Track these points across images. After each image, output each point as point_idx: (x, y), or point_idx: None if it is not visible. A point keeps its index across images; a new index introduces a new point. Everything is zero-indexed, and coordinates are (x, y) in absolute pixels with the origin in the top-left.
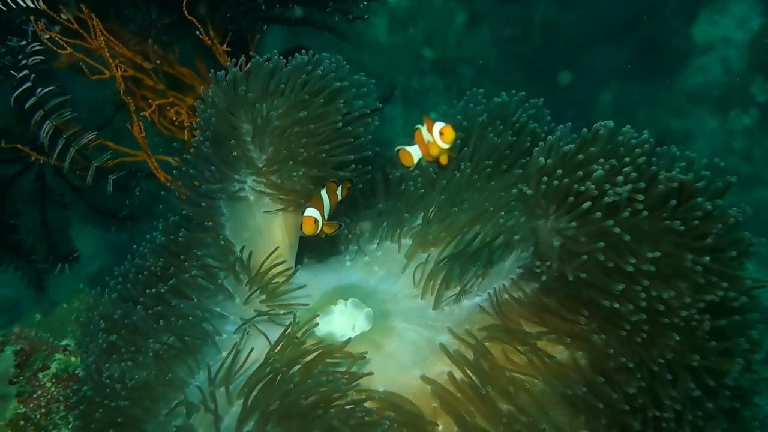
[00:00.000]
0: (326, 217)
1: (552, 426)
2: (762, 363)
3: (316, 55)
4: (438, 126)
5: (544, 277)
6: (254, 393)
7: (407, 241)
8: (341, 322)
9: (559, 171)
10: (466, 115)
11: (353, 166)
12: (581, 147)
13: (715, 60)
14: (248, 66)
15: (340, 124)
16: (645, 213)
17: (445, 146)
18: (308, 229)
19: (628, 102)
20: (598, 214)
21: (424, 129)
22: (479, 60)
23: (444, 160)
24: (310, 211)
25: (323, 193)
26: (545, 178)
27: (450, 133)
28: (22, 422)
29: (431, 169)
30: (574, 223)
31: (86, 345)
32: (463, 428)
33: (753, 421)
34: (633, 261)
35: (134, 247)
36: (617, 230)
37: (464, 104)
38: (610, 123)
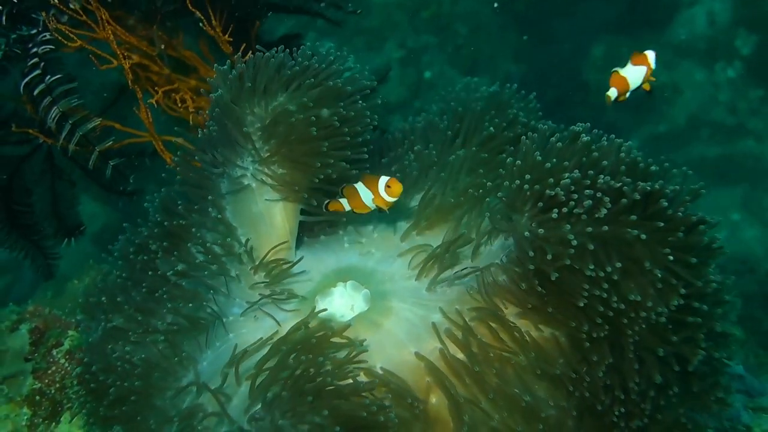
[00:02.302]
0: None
1: (535, 399)
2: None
3: (320, 48)
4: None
5: (520, 267)
6: (263, 374)
7: (402, 223)
8: (341, 303)
9: (528, 176)
10: (461, 103)
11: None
12: (554, 154)
13: (701, 13)
14: (253, 58)
15: (338, 123)
16: (606, 228)
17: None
18: (397, 191)
19: (618, 54)
20: (567, 225)
21: (622, 70)
22: (474, 16)
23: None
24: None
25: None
26: (517, 182)
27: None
28: (38, 397)
29: (426, 152)
30: (541, 230)
31: (90, 325)
32: (452, 402)
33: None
34: (592, 267)
35: (125, 225)
36: (575, 242)
37: (459, 92)
38: (587, 136)
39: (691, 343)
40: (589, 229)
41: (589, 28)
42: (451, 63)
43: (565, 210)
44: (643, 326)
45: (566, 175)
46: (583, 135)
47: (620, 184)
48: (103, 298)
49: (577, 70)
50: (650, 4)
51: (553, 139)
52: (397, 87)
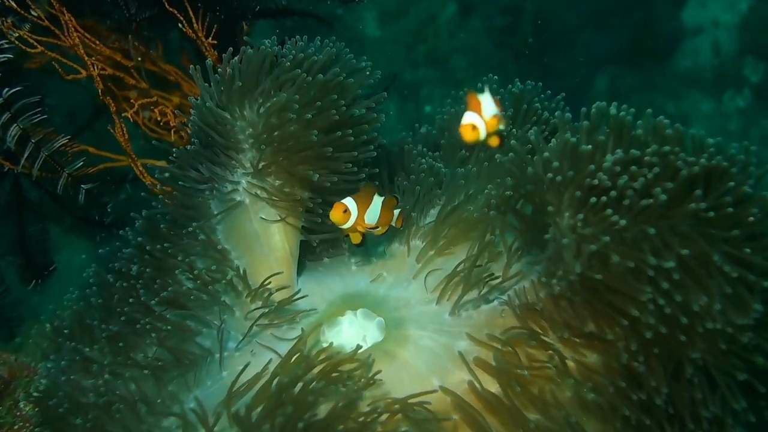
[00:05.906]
0: (369, 221)
1: None
2: None
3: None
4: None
5: (563, 279)
6: (258, 411)
7: (417, 242)
8: (351, 334)
9: (556, 164)
10: None
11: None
12: (586, 137)
13: (705, 42)
14: (241, 57)
15: (338, 117)
16: (663, 197)
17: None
18: (336, 218)
19: (623, 87)
20: (609, 210)
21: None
22: (472, 50)
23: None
24: (347, 200)
25: (377, 198)
26: (549, 175)
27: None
28: None
29: (437, 164)
30: (587, 228)
31: (56, 356)
32: None
33: None
34: (653, 261)
35: (100, 251)
36: (629, 233)
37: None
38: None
39: None
40: (646, 217)
41: (590, 60)
42: (451, 97)
43: (612, 197)
44: (722, 345)
45: (608, 156)
46: (612, 109)
47: (674, 156)
48: (72, 327)
49: (581, 103)
50: (652, 35)
51: (580, 124)
52: (396, 122)
